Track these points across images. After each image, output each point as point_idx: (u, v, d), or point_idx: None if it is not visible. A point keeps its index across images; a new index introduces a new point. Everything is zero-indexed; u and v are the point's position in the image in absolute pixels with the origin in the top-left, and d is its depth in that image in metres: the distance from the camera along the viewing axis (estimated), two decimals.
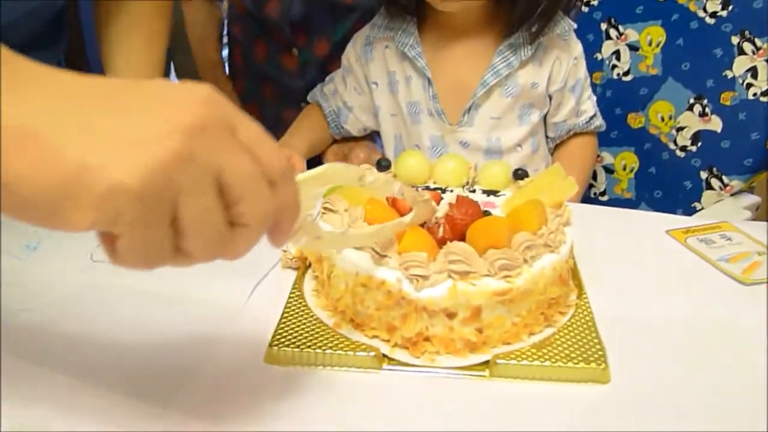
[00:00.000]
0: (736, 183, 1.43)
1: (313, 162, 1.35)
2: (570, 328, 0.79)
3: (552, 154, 1.33)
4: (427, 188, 0.94)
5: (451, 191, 0.94)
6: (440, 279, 0.73)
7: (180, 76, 3.38)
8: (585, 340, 0.77)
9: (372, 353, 0.74)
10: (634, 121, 1.55)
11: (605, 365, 0.73)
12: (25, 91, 0.38)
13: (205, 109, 0.39)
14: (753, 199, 1.43)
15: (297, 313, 0.81)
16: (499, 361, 0.74)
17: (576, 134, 1.28)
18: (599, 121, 1.28)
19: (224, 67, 1.63)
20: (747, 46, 1.37)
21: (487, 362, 0.74)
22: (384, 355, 0.75)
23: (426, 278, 0.72)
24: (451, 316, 0.74)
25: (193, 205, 0.39)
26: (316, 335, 0.77)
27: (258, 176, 0.42)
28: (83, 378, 0.70)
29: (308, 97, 1.33)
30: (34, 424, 0.63)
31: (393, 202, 0.82)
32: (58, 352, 0.73)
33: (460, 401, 0.71)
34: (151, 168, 0.37)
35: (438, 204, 0.86)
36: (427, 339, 0.75)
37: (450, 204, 0.83)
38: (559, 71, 1.14)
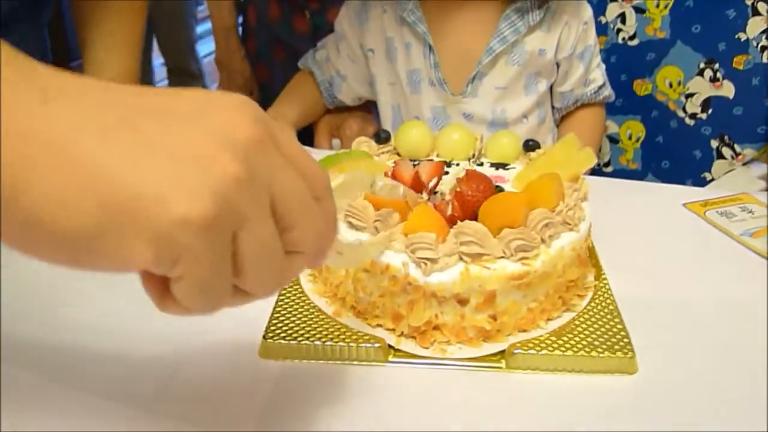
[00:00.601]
0: (748, 152, 1.37)
1: (305, 133, 1.27)
2: (590, 313, 0.73)
3: (558, 126, 1.26)
4: (431, 162, 0.86)
5: (457, 165, 0.87)
6: (451, 262, 0.66)
7: (163, 50, 3.30)
8: (608, 326, 0.71)
9: (377, 344, 0.68)
10: (641, 87, 1.48)
11: (632, 354, 0.67)
12: (57, 102, 0.31)
13: (255, 122, 0.35)
14: (767, 168, 1.37)
15: (293, 301, 0.74)
16: (516, 351, 0.67)
17: (583, 105, 1.21)
18: (608, 91, 1.21)
19: (238, 31, 1.59)
20: (762, 6, 1.29)
21: (502, 352, 0.68)
22: (390, 347, 0.68)
23: (435, 261, 0.65)
24: (462, 302, 0.67)
25: (254, 235, 0.35)
26: (315, 325, 0.70)
27: (308, 196, 0.38)
28: (74, 367, 0.65)
29: (299, 63, 1.25)
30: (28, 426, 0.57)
31: (393, 176, 0.75)
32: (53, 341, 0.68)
33: (474, 396, 0.64)
34: (215, 193, 0.32)
35: (440, 178, 0.79)
36: (436, 328, 0.68)
37: (458, 179, 0.76)
38: (568, 37, 1.06)
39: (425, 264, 0.65)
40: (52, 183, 0.30)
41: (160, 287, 0.35)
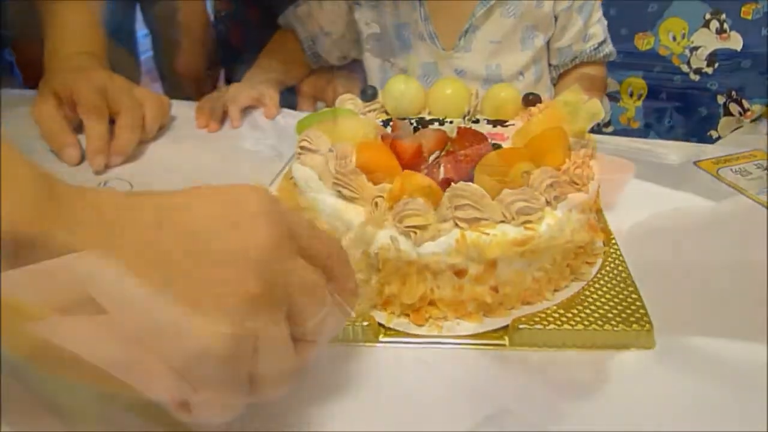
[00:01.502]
0: (757, 108, 1.29)
1: (288, 95, 1.19)
2: (602, 282, 0.66)
3: (555, 85, 1.18)
4: (422, 120, 0.79)
5: (450, 122, 0.79)
6: (444, 229, 0.59)
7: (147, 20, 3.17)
8: (621, 296, 0.64)
9: (365, 323, 0.60)
10: (642, 42, 1.40)
11: (649, 326, 0.60)
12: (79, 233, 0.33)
13: (272, 227, 0.35)
14: None
15: None
16: (520, 326, 0.60)
17: (582, 63, 1.13)
18: (609, 48, 1.13)
19: None
20: None
21: (505, 328, 0.61)
22: (380, 325, 0.61)
23: (425, 229, 0.58)
24: (459, 273, 0.60)
25: (271, 347, 0.36)
26: None
27: (322, 286, 0.39)
28: None
29: (279, 20, 1.16)
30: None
31: (392, 144, 0.67)
32: None
33: (474, 376, 0.58)
34: (234, 321, 0.33)
35: (442, 151, 0.71)
36: (431, 303, 0.61)
37: (451, 139, 0.68)
38: None
39: (414, 233, 0.58)
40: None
41: (184, 405, 0.35)
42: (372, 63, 1.06)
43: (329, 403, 0.54)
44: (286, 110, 1.00)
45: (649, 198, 0.84)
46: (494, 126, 0.79)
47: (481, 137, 0.68)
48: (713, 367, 0.58)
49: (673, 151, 0.98)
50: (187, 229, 0.34)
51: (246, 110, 0.95)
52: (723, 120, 1.31)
